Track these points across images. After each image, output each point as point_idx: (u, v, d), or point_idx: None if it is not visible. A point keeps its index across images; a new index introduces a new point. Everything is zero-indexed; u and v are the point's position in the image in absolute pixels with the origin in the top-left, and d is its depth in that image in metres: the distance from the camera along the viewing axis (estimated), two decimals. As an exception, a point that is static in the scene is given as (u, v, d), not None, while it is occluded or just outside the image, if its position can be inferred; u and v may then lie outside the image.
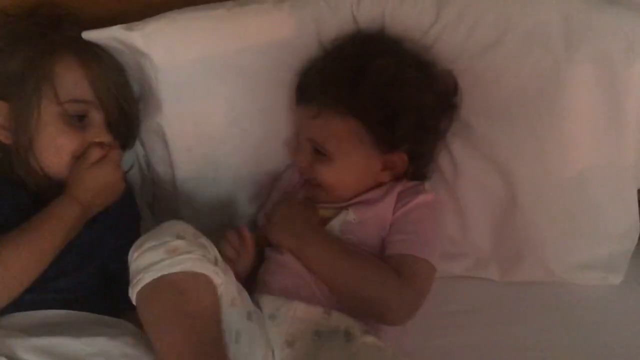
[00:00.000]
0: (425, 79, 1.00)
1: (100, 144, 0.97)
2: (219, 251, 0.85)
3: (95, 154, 0.96)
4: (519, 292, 1.09)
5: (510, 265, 1.10)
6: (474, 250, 1.11)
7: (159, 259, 0.78)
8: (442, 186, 1.09)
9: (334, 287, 0.92)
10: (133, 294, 0.79)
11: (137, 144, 1.12)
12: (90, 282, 0.94)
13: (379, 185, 1.02)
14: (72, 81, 0.95)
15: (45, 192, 0.95)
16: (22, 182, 0.96)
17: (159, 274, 0.77)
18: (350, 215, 0.98)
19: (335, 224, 0.98)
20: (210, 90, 1.05)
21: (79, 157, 0.96)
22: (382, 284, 0.90)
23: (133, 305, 0.80)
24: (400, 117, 0.97)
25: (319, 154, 1.00)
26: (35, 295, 0.87)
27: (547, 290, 1.10)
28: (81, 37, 0.97)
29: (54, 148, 0.95)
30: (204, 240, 0.83)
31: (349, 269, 0.92)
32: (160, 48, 1.00)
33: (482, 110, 1.04)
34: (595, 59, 0.99)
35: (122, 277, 0.91)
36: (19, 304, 0.86)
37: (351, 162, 0.99)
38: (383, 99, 0.96)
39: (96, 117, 0.97)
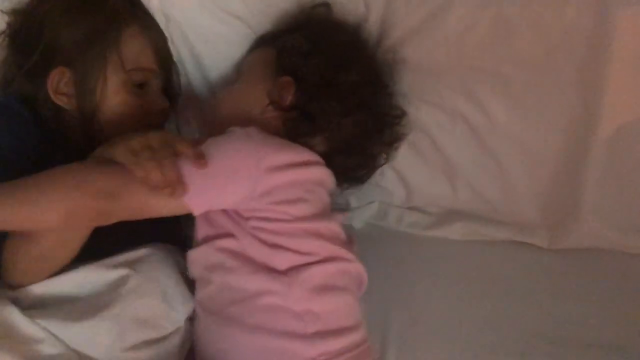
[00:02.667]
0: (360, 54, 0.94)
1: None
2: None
3: None
4: (568, 261, 1.00)
5: (559, 232, 1.01)
6: (517, 215, 1.03)
7: None
8: (477, 147, 1.00)
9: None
10: None
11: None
12: None
13: None
14: (138, 49, 0.95)
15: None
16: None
17: None
18: None
19: None
20: (213, 34, 1.02)
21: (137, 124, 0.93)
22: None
23: None
24: (310, 52, 0.89)
25: None
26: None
27: (600, 259, 1.00)
28: (138, 4, 0.97)
29: (119, 115, 0.94)
30: None
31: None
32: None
33: (521, 61, 0.93)
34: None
35: None
36: None
37: (248, 82, 0.92)
38: (303, 36, 0.92)
39: (154, 84, 0.97)
